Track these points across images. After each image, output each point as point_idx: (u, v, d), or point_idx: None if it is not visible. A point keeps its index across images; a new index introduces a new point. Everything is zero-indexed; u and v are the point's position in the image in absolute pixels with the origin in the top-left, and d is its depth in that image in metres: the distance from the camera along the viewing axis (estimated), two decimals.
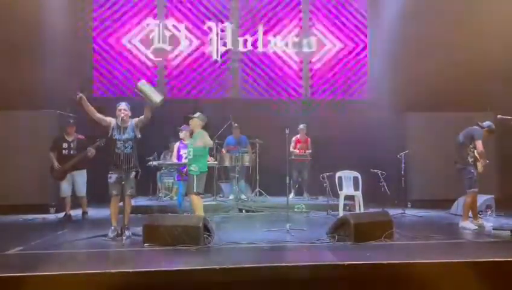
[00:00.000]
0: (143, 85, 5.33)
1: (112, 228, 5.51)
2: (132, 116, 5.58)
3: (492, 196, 7.58)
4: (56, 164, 7.07)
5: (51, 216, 7.63)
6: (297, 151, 8.90)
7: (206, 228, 4.91)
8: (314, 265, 4.02)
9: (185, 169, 6.55)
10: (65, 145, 7.17)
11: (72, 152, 7.15)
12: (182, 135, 7.13)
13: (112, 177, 5.46)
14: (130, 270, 3.72)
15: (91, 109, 5.37)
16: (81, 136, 7.27)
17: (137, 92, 5.31)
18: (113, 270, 3.69)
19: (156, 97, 5.27)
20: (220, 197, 8.91)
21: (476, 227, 6.03)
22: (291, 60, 10.19)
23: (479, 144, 5.99)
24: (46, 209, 7.86)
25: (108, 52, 9.83)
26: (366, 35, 10.25)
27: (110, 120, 5.49)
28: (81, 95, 5.26)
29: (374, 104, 9.48)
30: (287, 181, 6.26)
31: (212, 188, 8.57)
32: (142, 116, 5.49)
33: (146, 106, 5.37)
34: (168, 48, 9.93)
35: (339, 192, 7.37)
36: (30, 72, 8.18)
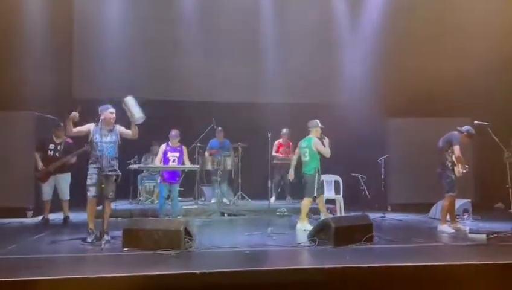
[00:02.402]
0: (130, 100, 5.39)
1: (89, 231, 5.42)
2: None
3: (470, 200, 7.74)
4: (40, 164, 6.95)
5: (28, 220, 7.47)
6: (280, 155, 8.92)
7: (187, 232, 4.89)
8: (295, 269, 4.03)
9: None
10: (52, 146, 7.05)
11: (57, 154, 7.04)
12: (176, 140, 7.08)
13: (92, 178, 5.38)
14: (108, 275, 3.67)
15: (71, 128, 5.34)
16: (69, 140, 7.15)
17: (123, 105, 5.36)
18: (91, 276, 3.63)
19: (138, 114, 5.36)
20: (202, 200, 8.87)
21: (454, 231, 6.15)
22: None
23: (457, 149, 6.11)
24: (23, 213, 7.68)
25: (90, 52, 9.68)
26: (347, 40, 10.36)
27: (89, 127, 5.46)
28: (77, 114, 5.24)
29: (355, 109, 9.58)
30: (269, 185, 6.27)
31: (194, 192, 8.52)
32: (130, 132, 5.51)
33: (132, 124, 5.42)
34: None
35: None
36: (7, 72, 8.01)
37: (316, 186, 6.35)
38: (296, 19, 10.00)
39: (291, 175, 6.89)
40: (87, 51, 9.67)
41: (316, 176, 6.40)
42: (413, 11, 9.31)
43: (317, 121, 6.67)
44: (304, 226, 6.33)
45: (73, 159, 6.94)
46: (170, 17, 9.81)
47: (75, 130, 5.40)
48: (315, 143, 6.46)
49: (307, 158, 6.51)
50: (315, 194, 6.33)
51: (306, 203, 6.46)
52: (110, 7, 9.58)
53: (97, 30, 9.55)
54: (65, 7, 9.43)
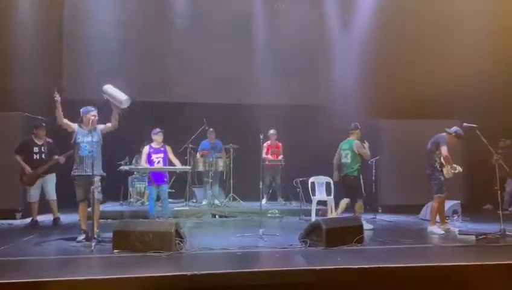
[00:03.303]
0: (109, 87, 5.40)
1: (81, 231, 5.48)
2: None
3: (459, 201, 7.82)
4: (28, 168, 6.84)
5: (17, 222, 7.38)
6: (270, 157, 8.95)
7: (178, 234, 4.87)
8: (286, 270, 4.04)
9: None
10: (36, 149, 6.96)
11: (43, 156, 6.97)
12: (160, 138, 7.03)
13: (79, 184, 5.43)
14: (98, 277, 3.64)
15: (61, 113, 5.35)
16: (49, 140, 7.09)
17: (104, 95, 5.37)
18: (80, 278, 3.60)
19: (123, 97, 5.35)
20: (193, 202, 8.85)
21: (443, 232, 6.20)
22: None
23: (444, 149, 6.17)
24: (12, 214, 7.59)
25: (80, 53, 9.61)
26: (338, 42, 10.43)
27: (75, 126, 5.50)
28: (58, 96, 5.26)
29: (346, 110, 9.62)
30: (260, 186, 6.29)
31: (185, 193, 8.50)
32: (109, 124, 5.54)
33: (113, 114, 5.45)
34: None
35: (312, 197, 7.45)
36: None
37: (362, 186, 6.73)
38: (288, 22, 10.03)
39: (335, 176, 7.01)
40: (76, 52, 9.60)
41: (361, 177, 6.76)
42: (404, 16, 9.39)
43: (357, 123, 6.95)
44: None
45: (63, 160, 6.89)
46: (161, 18, 9.80)
47: (65, 120, 5.41)
48: (357, 145, 6.72)
49: (349, 160, 6.73)
50: (364, 194, 6.77)
51: (360, 204, 6.73)
52: (100, 9, 9.51)
53: (87, 31, 9.48)
54: (55, 8, 9.37)
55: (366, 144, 6.83)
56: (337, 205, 7.49)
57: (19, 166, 6.92)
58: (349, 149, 6.74)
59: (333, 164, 7.01)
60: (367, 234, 6.19)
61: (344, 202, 6.82)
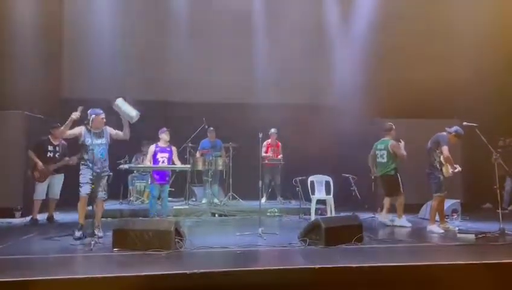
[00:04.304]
0: (121, 102, 5.51)
1: (79, 226, 5.47)
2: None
3: (459, 200, 7.83)
4: (40, 163, 6.90)
5: (16, 220, 7.37)
6: (270, 155, 8.95)
7: (178, 232, 4.88)
8: (285, 269, 4.04)
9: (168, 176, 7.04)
10: (51, 148, 7.06)
11: (57, 155, 7.05)
12: (167, 137, 7.04)
13: (85, 177, 5.48)
14: (98, 275, 3.64)
15: (67, 129, 5.45)
16: (63, 141, 7.13)
17: (115, 108, 5.48)
18: (79, 276, 3.60)
19: (132, 113, 5.51)
20: (193, 201, 8.85)
21: (443, 231, 6.20)
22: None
23: (445, 149, 6.18)
24: (10, 213, 7.58)
25: (79, 51, 9.61)
26: (338, 42, 10.44)
27: (80, 129, 5.55)
28: (78, 114, 5.36)
29: (346, 109, 9.63)
30: (260, 185, 6.29)
31: (184, 192, 8.50)
32: (121, 133, 5.64)
33: (125, 125, 5.57)
34: None
35: (311, 196, 7.46)
36: None
37: (401, 183, 6.77)
38: (288, 21, 10.02)
39: (373, 172, 7.13)
40: (76, 50, 9.60)
41: (398, 175, 6.80)
42: (404, 15, 9.40)
43: (392, 124, 7.04)
44: (401, 222, 6.78)
45: (75, 161, 6.90)
46: (161, 17, 9.80)
47: (69, 132, 5.49)
48: (393, 145, 6.81)
49: (385, 160, 6.85)
50: (402, 191, 6.79)
51: (401, 201, 6.85)
52: (100, 7, 9.52)
53: (87, 30, 9.49)
54: (55, 7, 9.37)
55: (402, 143, 6.88)
56: (336, 204, 7.54)
57: (30, 162, 6.99)
58: (385, 149, 6.85)
59: (369, 162, 7.18)
60: (403, 231, 6.42)
61: (386, 201, 6.97)
